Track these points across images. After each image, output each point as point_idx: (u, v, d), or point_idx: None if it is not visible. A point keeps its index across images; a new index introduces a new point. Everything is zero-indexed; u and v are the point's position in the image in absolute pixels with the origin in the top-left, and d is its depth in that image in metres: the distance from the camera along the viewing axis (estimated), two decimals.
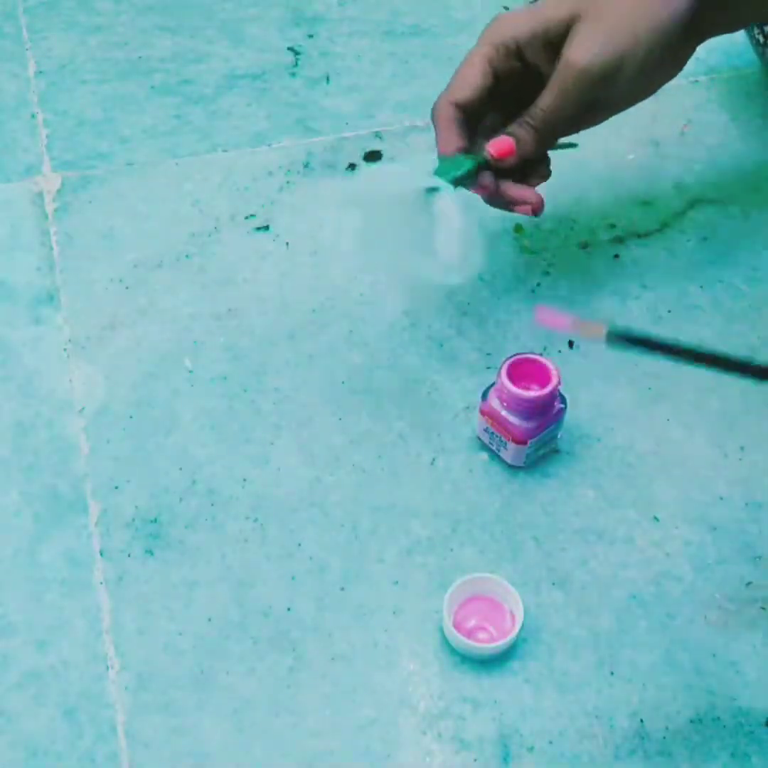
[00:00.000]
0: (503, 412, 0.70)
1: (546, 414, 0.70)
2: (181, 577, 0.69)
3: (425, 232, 0.68)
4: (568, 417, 0.73)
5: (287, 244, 0.85)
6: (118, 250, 0.84)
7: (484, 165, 0.71)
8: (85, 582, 0.69)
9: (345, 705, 0.65)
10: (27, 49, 0.98)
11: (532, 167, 0.73)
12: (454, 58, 0.97)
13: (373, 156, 0.90)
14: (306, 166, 0.90)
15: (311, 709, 0.65)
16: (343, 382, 0.78)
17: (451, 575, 0.68)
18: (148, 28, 0.99)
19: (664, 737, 0.64)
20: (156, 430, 0.75)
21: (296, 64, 0.97)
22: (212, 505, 0.72)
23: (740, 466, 0.74)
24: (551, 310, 0.62)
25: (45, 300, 0.81)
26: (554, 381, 0.69)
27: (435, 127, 0.72)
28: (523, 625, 0.66)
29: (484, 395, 0.72)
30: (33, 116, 0.93)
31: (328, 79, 0.96)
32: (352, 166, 0.90)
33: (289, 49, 0.98)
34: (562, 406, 0.71)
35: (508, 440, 0.71)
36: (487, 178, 0.72)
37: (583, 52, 0.67)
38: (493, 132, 0.72)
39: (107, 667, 0.66)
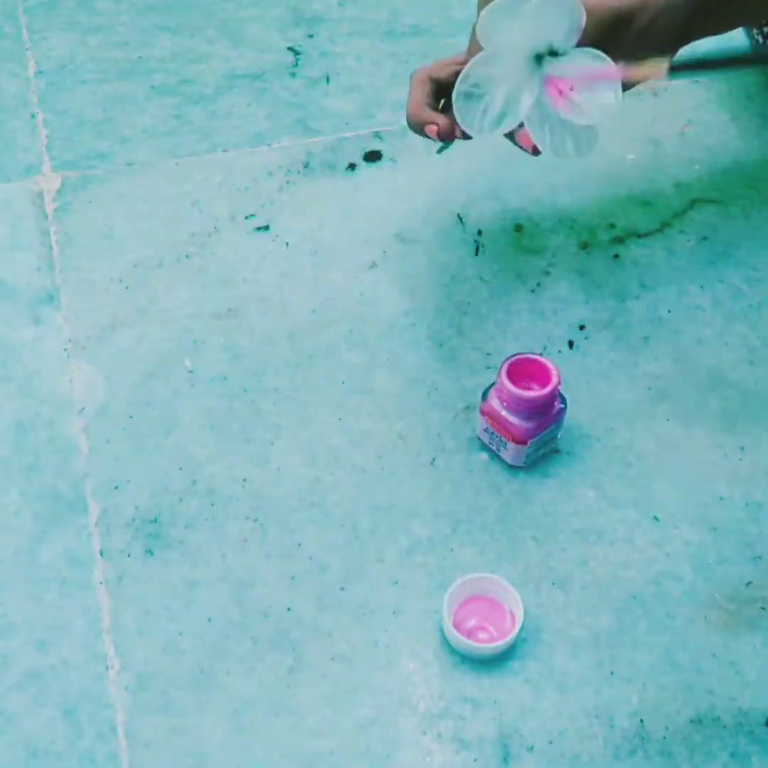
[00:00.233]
0: (503, 412, 0.70)
1: (546, 414, 0.70)
2: (181, 577, 0.69)
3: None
4: (568, 417, 0.73)
5: (287, 244, 0.85)
6: (118, 250, 0.84)
7: None
8: (85, 582, 0.69)
9: (345, 705, 0.65)
10: (27, 49, 0.98)
11: None
12: None
13: (373, 156, 0.90)
14: (306, 166, 0.90)
15: (311, 709, 0.65)
16: (343, 382, 0.78)
17: (451, 575, 0.68)
18: (148, 28, 0.99)
19: (664, 737, 0.64)
20: (156, 430, 0.75)
21: (296, 64, 0.97)
22: (212, 505, 0.72)
23: (740, 466, 0.74)
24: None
25: (45, 300, 0.81)
26: (554, 381, 0.69)
27: (409, 90, 0.75)
28: (523, 625, 0.66)
29: (484, 395, 0.72)
30: (33, 116, 0.93)
31: (328, 79, 0.96)
32: (352, 166, 0.90)
33: (289, 49, 0.98)
34: (562, 406, 0.71)
35: (508, 440, 0.71)
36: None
37: None
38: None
39: (107, 667, 0.66)
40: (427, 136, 0.74)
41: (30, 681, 0.66)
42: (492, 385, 0.71)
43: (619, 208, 0.87)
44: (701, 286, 0.82)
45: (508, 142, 0.73)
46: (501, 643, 0.65)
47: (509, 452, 0.72)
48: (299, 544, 0.71)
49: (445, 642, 0.67)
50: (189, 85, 0.95)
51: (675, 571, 0.70)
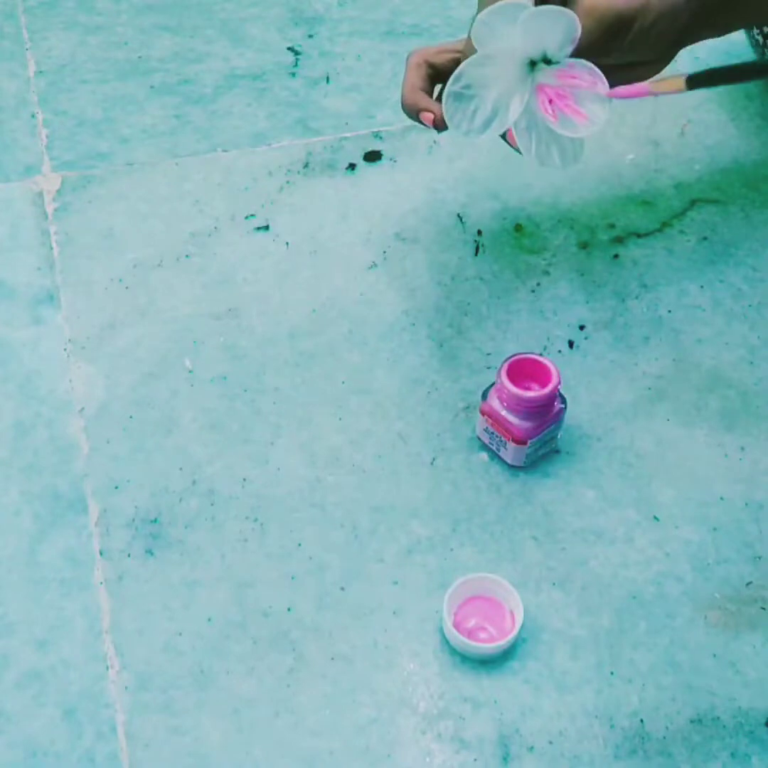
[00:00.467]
0: (503, 412, 0.70)
1: (546, 414, 0.70)
2: (180, 577, 0.69)
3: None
4: (568, 417, 0.73)
5: (287, 244, 0.85)
6: (117, 249, 0.84)
7: None
8: (84, 582, 0.69)
9: (345, 705, 0.65)
10: (27, 49, 0.98)
11: None
12: None
13: (372, 156, 0.90)
14: (306, 166, 0.90)
15: (311, 709, 0.65)
16: (343, 382, 0.78)
17: (451, 575, 0.68)
18: (148, 28, 0.99)
19: (664, 737, 0.64)
20: (156, 430, 0.75)
21: (296, 64, 0.97)
22: (212, 505, 0.72)
23: (740, 466, 0.74)
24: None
25: (45, 300, 0.81)
26: (554, 381, 0.69)
27: (405, 71, 0.75)
28: (523, 625, 0.66)
29: (484, 395, 0.72)
30: (33, 116, 0.93)
31: (328, 79, 0.96)
32: (352, 166, 0.90)
33: (289, 49, 0.98)
34: (562, 406, 0.71)
35: (508, 440, 0.71)
36: None
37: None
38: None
39: (107, 667, 0.66)
40: (421, 123, 0.74)
41: (30, 681, 0.66)
42: (492, 385, 0.71)
43: (619, 208, 0.87)
44: (701, 286, 0.82)
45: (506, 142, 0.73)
46: (501, 643, 0.65)
47: (509, 452, 0.72)
48: (299, 544, 0.71)
49: (445, 642, 0.67)
50: (189, 85, 0.95)
51: (675, 571, 0.70)
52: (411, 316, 0.81)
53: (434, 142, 0.91)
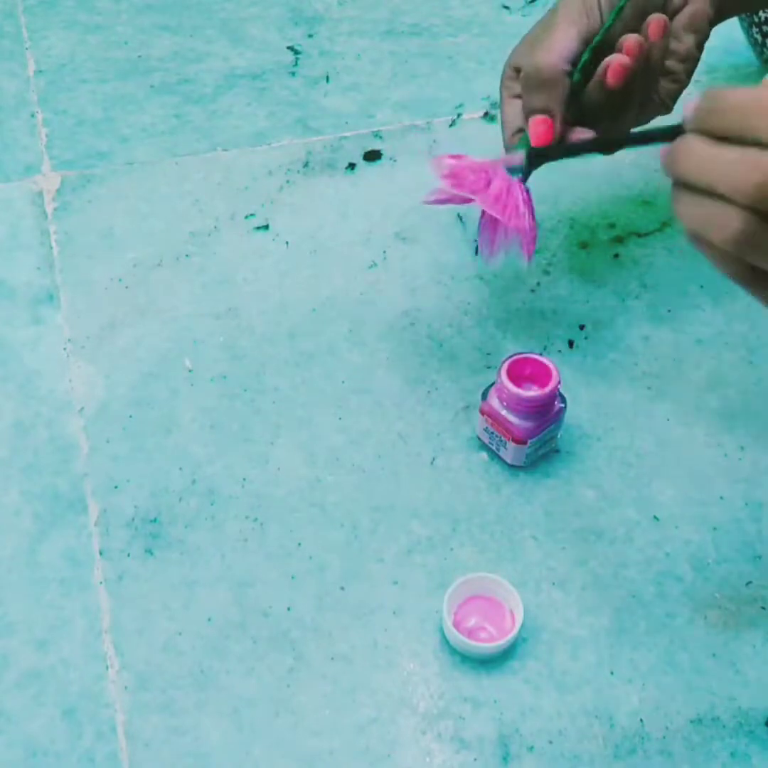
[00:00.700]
0: (503, 412, 0.70)
1: (546, 414, 0.70)
2: (180, 577, 0.69)
3: None
4: (568, 417, 0.73)
5: (287, 243, 0.85)
6: (117, 249, 0.84)
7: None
8: (84, 582, 0.69)
9: (345, 705, 0.65)
10: (27, 49, 0.98)
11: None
12: (454, 57, 0.98)
13: (372, 155, 0.90)
14: (306, 165, 0.90)
15: (311, 709, 0.65)
16: (343, 382, 0.77)
17: (451, 575, 0.68)
18: (148, 28, 0.99)
19: (664, 737, 0.64)
20: (155, 429, 0.75)
21: (296, 64, 0.97)
22: (212, 504, 0.72)
23: (740, 466, 0.74)
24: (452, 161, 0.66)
25: (45, 300, 0.81)
26: (554, 381, 0.69)
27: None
28: (523, 625, 0.66)
29: (484, 395, 0.72)
30: (33, 116, 0.93)
31: (327, 78, 0.96)
32: (351, 166, 0.90)
33: (288, 48, 0.98)
34: (562, 405, 0.71)
35: (508, 440, 0.71)
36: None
37: None
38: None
39: (107, 667, 0.66)
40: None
41: (30, 681, 0.66)
42: (492, 384, 0.71)
43: (619, 208, 0.87)
44: (701, 286, 0.82)
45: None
46: (501, 643, 0.65)
47: (509, 452, 0.72)
48: (299, 544, 0.71)
49: (445, 642, 0.67)
50: (189, 85, 0.95)
51: (675, 571, 0.70)
52: (411, 316, 0.81)
53: (434, 141, 0.91)
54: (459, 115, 0.93)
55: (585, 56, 0.67)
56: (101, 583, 0.69)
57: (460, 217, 0.86)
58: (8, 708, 0.65)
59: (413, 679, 0.66)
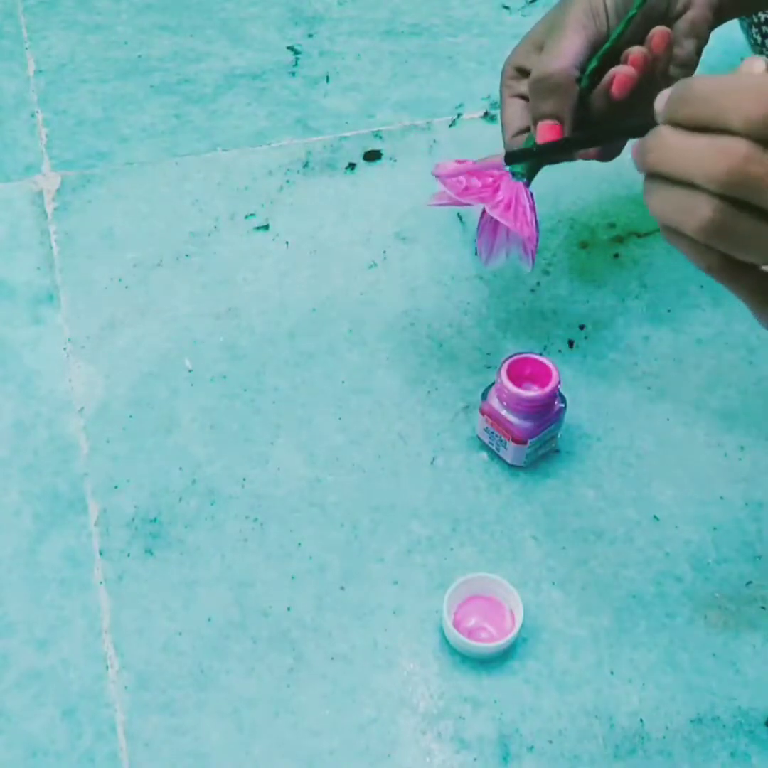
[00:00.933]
0: (503, 412, 0.70)
1: (546, 414, 0.70)
2: (180, 577, 0.69)
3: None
4: (568, 417, 0.73)
5: (287, 243, 0.85)
6: (117, 249, 0.84)
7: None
8: (84, 582, 0.69)
9: (345, 705, 0.65)
10: (26, 49, 0.98)
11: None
12: (454, 57, 0.98)
13: (372, 155, 0.90)
14: (306, 165, 0.90)
15: (311, 709, 0.65)
16: (343, 382, 0.77)
17: (451, 575, 0.68)
18: (148, 28, 0.99)
19: (664, 737, 0.64)
20: (155, 429, 0.75)
21: (296, 64, 0.97)
22: (212, 504, 0.72)
23: (740, 466, 0.74)
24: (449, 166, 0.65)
25: (45, 300, 0.81)
26: (554, 381, 0.69)
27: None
28: (523, 625, 0.66)
29: (484, 395, 0.72)
30: (32, 115, 0.93)
31: (327, 78, 0.96)
32: (351, 166, 0.90)
33: (288, 48, 0.98)
34: (562, 405, 0.71)
35: (508, 440, 0.71)
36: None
37: None
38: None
39: (107, 667, 0.66)
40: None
41: (30, 681, 0.66)
42: (492, 384, 0.71)
43: (619, 208, 0.87)
44: (701, 286, 0.82)
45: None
46: (501, 643, 0.65)
47: (509, 452, 0.72)
48: (299, 544, 0.71)
49: (445, 642, 0.67)
50: (189, 85, 0.95)
51: (675, 571, 0.70)
52: (411, 316, 0.81)
53: (434, 141, 0.91)
54: (459, 115, 0.93)
55: (593, 63, 0.67)
56: (101, 583, 0.69)
57: (460, 217, 0.86)
58: (8, 708, 0.65)
59: (413, 679, 0.66)
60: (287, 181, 0.89)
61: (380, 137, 0.92)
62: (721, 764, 0.63)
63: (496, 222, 0.68)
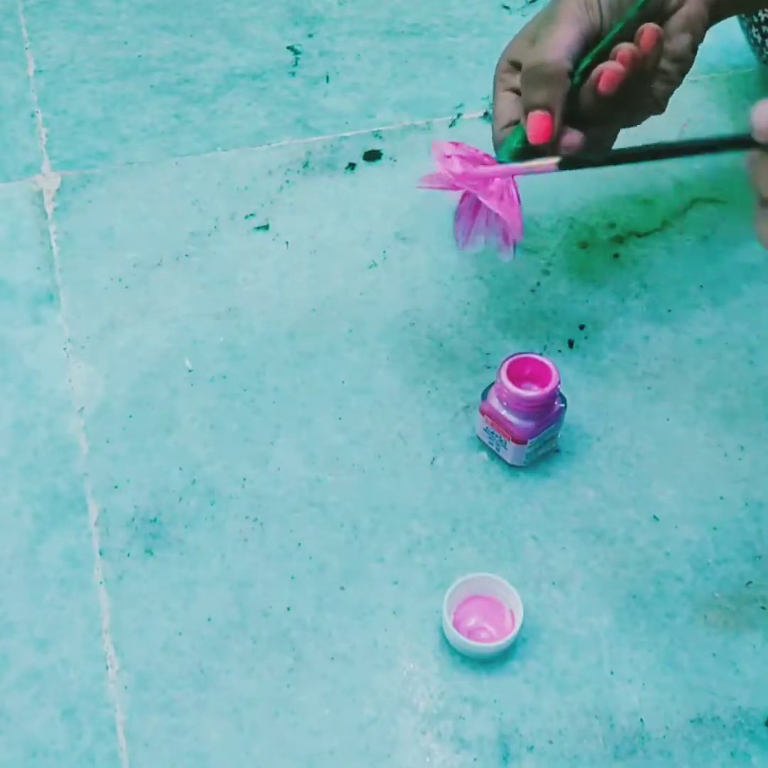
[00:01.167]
0: (503, 412, 0.70)
1: (546, 414, 0.70)
2: (180, 577, 0.69)
3: None
4: (568, 417, 0.73)
5: (287, 243, 0.85)
6: (117, 249, 0.84)
7: None
8: (84, 582, 0.69)
9: (345, 705, 0.65)
10: (26, 48, 0.97)
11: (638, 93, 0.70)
12: (454, 57, 0.98)
13: (372, 155, 0.90)
14: (306, 165, 0.90)
15: (311, 709, 0.65)
16: (342, 382, 0.78)
17: (451, 575, 0.68)
18: (148, 28, 0.99)
19: (664, 737, 0.64)
20: (155, 429, 0.75)
21: (296, 64, 0.97)
22: (212, 504, 0.72)
23: (740, 466, 0.74)
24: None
25: (45, 300, 0.81)
26: (554, 381, 0.69)
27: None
28: (523, 624, 0.66)
29: (484, 395, 0.72)
30: (32, 115, 0.93)
31: (327, 78, 0.96)
32: (351, 166, 0.90)
33: (288, 48, 0.98)
34: (562, 405, 0.71)
35: (508, 440, 0.71)
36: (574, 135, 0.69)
37: None
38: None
39: (107, 667, 0.66)
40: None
41: (30, 681, 0.66)
42: (492, 384, 0.71)
43: (619, 207, 0.87)
44: (701, 286, 0.82)
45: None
46: (501, 643, 0.65)
47: (509, 452, 0.72)
48: (299, 544, 0.71)
49: (445, 642, 0.67)
50: (189, 85, 0.95)
51: (675, 570, 0.70)
52: (411, 315, 0.81)
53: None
54: (459, 115, 0.93)
55: (587, 61, 0.67)
56: (101, 583, 0.69)
57: None
58: (8, 708, 0.65)
59: (413, 679, 0.66)
60: (287, 181, 0.89)
61: (380, 137, 0.91)
62: (721, 764, 0.63)
63: (476, 208, 0.68)
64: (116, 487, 0.73)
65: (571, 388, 0.76)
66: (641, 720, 0.65)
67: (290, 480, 0.73)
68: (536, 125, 0.66)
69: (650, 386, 0.77)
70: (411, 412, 0.76)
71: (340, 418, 0.76)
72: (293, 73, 0.96)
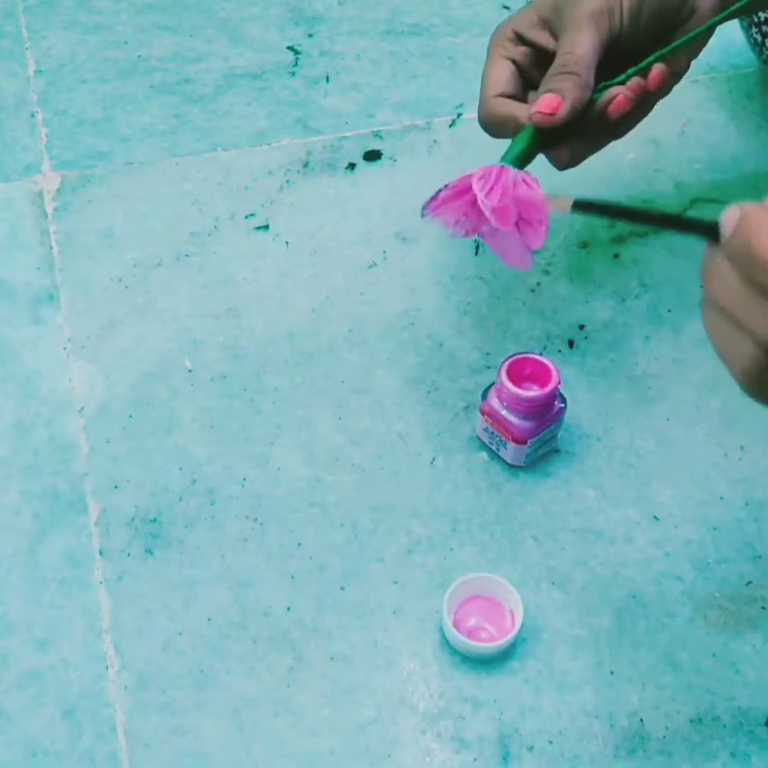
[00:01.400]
0: (503, 412, 0.70)
1: (546, 414, 0.70)
2: (180, 577, 0.69)
3: None
4: (568, 417, 0.73)
5: (287, 243, 0.85)
6: (117, 249, 0.84)
7: (537, 134, 0.68)
8: (84, 582, 0.69)
9: (345, 705, 0.65)
10: (26, 48, 0.98)
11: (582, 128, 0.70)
12: (454, 57, 0.98)
13: (372, 155, 0.90)
14: (306, 165, 0.90)
15: (311, 709, 0.65)
16: (343, 382, 0.77)
17: (451, 575, 0.68)
18: (148, 28, 0.99)
19: (664, 737, 0.64)
20: (155, 429, 0.75)
21: (296, 64, 0.97)
22: (212, 504, 0.72)
23: (740, 466, 0.74)
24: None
25: (45, 299, 0.81)
26: (554, 381, 0.69)
27: (486, 62, 0.68)
28: (523, 625, 0.66)
29: (484, 395, 0.72)
30: (32, 115, 0.93)
31: (327, 78, 0.96)
32: (351, 166, 0.90)
33: (288, 48, 0.98)
34: (562, 405, 0.71)
35: (508, 440, 0.71)
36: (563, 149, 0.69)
37: None
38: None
39: (107, 667, 0.66)
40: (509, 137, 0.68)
41: (30, 681, 0.66)
42: (492, 384, 0.71)
43: None
44: (701, 286, 0.82)
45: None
46: (501, 643, 0.65)
47: (509, 452, 0.72)
48: (299, 544, 0.71)
49: (445, 642, 0.67)
50: (189, 85, 0.95)
51: (675, 570, 0.70)
52: (411, 316, 0.81)
53: (434, 141, 0.91)
54: (459, 115, 0.93)
55: (611, 82, 0.69)
56: (101, 583, 0.69)
57: None
58: (8, 708, 0.65)
59: (413, 679, 0.66)
60: (287, 181, 0.89)
61: (380, 137, 0.92)
62: (721, 764, 0.63)
63: (458, 194, 0.67)
64: (116, 487, 0.73)
65: (571, 388, 0.76)
66: (641, 720, 0.65)
67: (290, 480, 0.73)
68: (546, 101, 0.66)
69: (650, 386, 0.77)
70: (411, 412, 0.76)
71: (339, 418, 0.76)
72: (293, 73, 0.96)
